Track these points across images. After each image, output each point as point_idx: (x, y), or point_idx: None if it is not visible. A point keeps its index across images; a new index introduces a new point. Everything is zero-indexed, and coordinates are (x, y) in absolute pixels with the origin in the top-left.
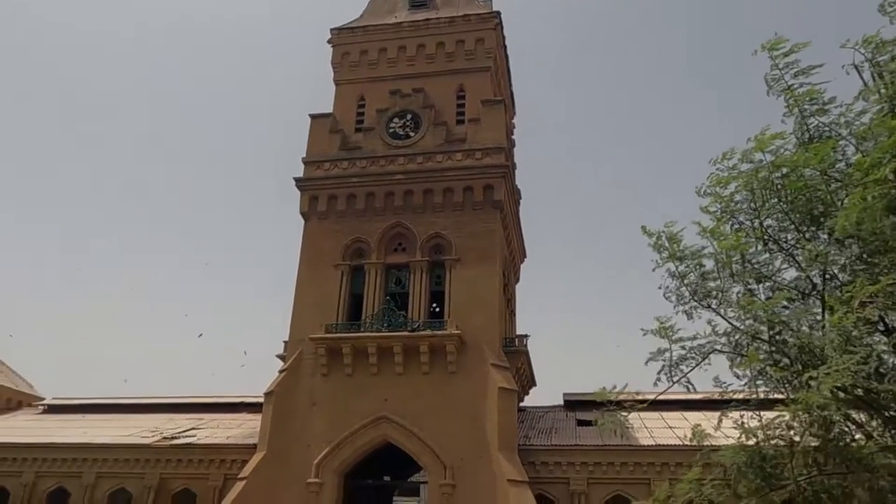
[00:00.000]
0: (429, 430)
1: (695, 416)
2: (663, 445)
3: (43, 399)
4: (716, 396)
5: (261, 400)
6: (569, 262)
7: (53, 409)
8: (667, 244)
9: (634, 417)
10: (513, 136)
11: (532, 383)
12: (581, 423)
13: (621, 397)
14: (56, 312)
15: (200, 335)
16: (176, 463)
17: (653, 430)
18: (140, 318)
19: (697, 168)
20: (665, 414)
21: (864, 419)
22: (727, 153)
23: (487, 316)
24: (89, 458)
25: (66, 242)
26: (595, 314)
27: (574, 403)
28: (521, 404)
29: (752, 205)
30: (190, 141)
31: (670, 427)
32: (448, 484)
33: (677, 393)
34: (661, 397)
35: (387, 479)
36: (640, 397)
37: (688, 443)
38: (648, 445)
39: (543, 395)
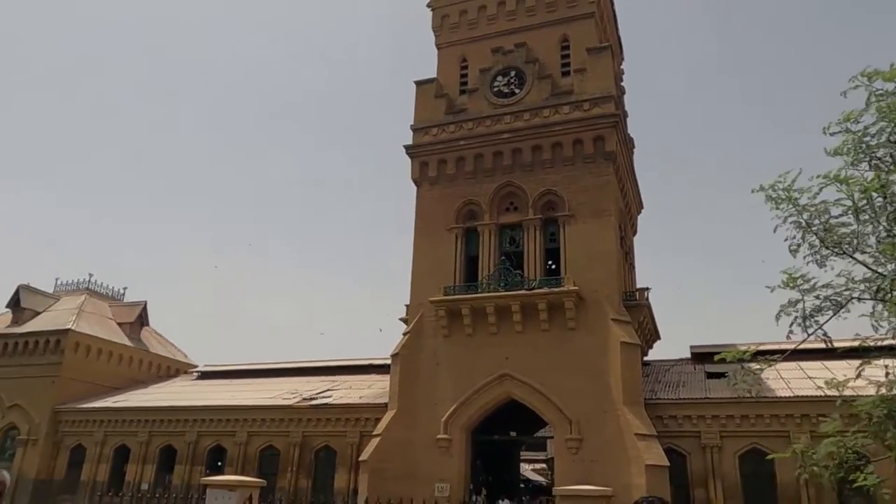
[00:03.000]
0: (551, 386)
1: (837, 366)
2: (802, 396)
3: (196, 366)
4: (858, 344)
5: (387, 362)
6: (689, 209)
7: (205, 375)
8: (783, 195)
9: (769, 369)
10: (622, 83)
11: (656, 337)
12: (711, 375)
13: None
14: (201, 284)
15: (322, 333)
16: (316, 422)
17: (790, 380)
18: (270, 288)
19: (822, 107)
20: (804, 364)
21: None
22: (869, 73)
23: (605, 270)
24: (241, 419)
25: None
26: (720, 262)
27: (702, 356)
28: (646, 358)
29: (892, 137)
30: (299, 114)
31: (810, 377)
32: (574, 438)
33: (816, 342)
34: (801, 346)
35: (513, 434)
36: (772, 348)
37: (829, 393)
38: (786, 397)
39: (668, 348)
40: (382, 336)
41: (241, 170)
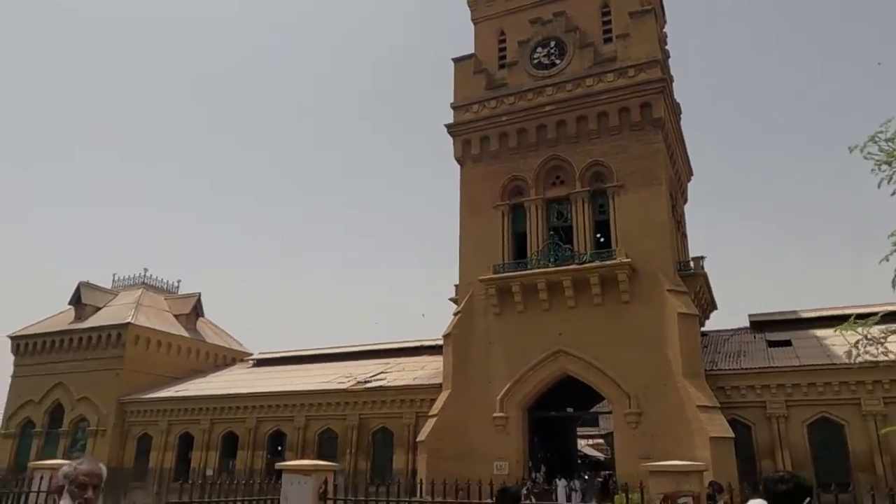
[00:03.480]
0: (607, 361)
1: None
2: (874, 362)
3: (251, 354)
4: None
5: (439, 343)
6: (741, 175)
7: (261, 363)
8: (888, 147)
9: (835, 335)
10: (666, 47)
11: (713, 306)
12: (773, 343)
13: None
14: (252, 275)
15: (423, 315)
16: (371, 404)
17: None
18: (319, 275)
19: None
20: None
21: None
22: None
23: (658, 241)
24: (298, 404)
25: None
26: (777, 229)
27: (762, 324)
28: (703, 329)
29: None
30: (334, 102)
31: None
32: (633, 412)
33: (886, 304)
34: (873, 310)
35: (569, 410)
36: (838, 312)
37: None
38: (857, 363)
39: (724, 317)
40: (432, 317)
41: (281, 158)
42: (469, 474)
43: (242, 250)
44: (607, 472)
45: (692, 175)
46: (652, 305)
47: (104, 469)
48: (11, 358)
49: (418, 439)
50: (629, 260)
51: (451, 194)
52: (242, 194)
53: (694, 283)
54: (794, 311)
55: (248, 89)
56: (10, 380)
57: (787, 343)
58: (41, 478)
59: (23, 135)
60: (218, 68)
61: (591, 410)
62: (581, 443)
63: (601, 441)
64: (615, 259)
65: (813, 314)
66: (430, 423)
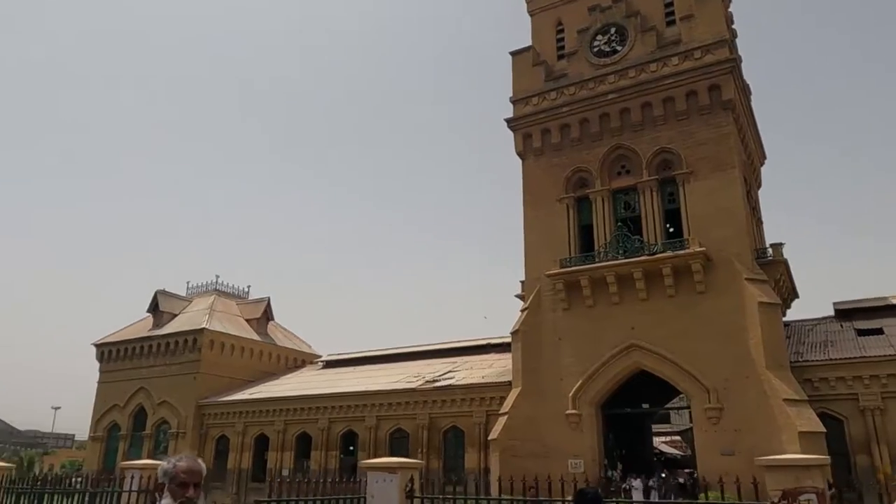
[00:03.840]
0: (684, 354)
1: None
2: None
3: (320, 356)
4: None
5: (505, 340)
6: (817, 156)
7: (330, 364)
8: None
9: None
10: (733, 26)
11: (794, 295)
12: (862, 332)
13: None
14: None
15: (485, 317)
16: (441, 403)
17: None
18: (383, 279)
19: None
20: None
21: None
22: None
23: (734, 227)
24: (369, 404)
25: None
26: (859, 213)
27: (848, 312)
28: (784, 319)
29: None
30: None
31: None
32: (714, 408)
33: None
34: None
35: (645, 406)
36: None
37: None
38: None
39: (805, 306)
40: (496, 316)
41: (351, 158)
42: (543, 472)
43: (309, 254)
44: (688, 469)
45: (765, 158)
46: (729, 295)
47: (204, 466)
48: (97, 365)
49: (490, 438)
50: (703, 249)
51: (513, 191)
52: (308, 198)
53: (773, 270)
54: (884, 298)
55: (320, 93)
56: (96, 386)
57: (879, 331)
58: (132, 477)
59: (89, 150)
60: (291, 70)
61: (666, 406)
62: (656, 440)
63: (678, 438)
64: (688, 248)
65: None
66: (502, 421)
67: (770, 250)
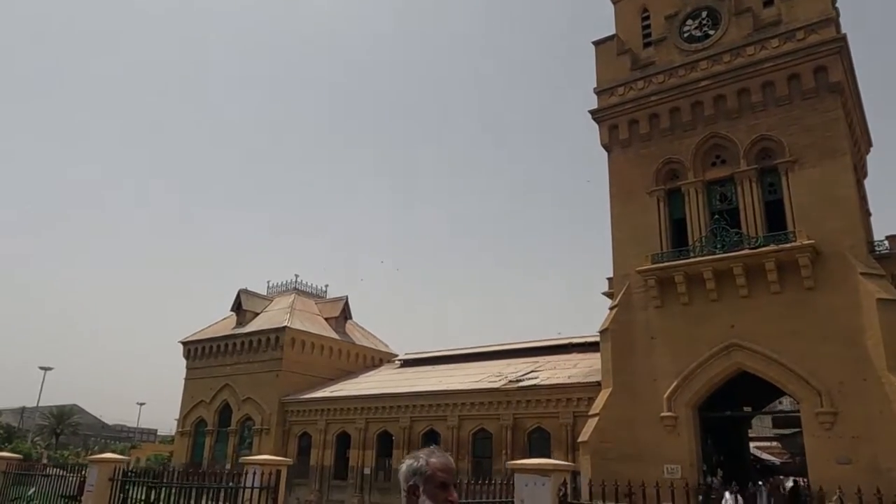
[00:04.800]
0: (791, 355)
1: None
2: None
3: (396, 355)
4: None
5: (587, 340)
6: None
7: (407, 363)
8: None
9: None
10: (836, 4)
11: None
12: None
13: None
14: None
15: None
16: (525, 403)
17: None
18: (453, 281)
19: None
20: None
21: None
22: None
23: (846, 218)
24: (451, 403)
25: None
26: None
27: None
28: None
29: None
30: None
31: None
32: (827, 412)
33: None
34: None
35: (747, 409)
36: None
37: None
38: None
39: None
40: (578, 315)
41: (430, 152)
42: (637, 477)
43: (383, 254)
44: (794, 477)
45: (871, 146)
46: (842, 291)
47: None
48: (180, 362)
49: (580, 440)
50: (812, 242)
51: (595, 186)
52: (381, 198)
53: (889, 265)
54: None
55: (386, 90)
56: (183, 382)
57: None
58: (253, 473)
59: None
60: (362, 58)
61: (764, 410)
62: (751, 445)
63: (776, 444)
64: (795, 241)
65: None
66: (592, 422)
67: (887, 243)
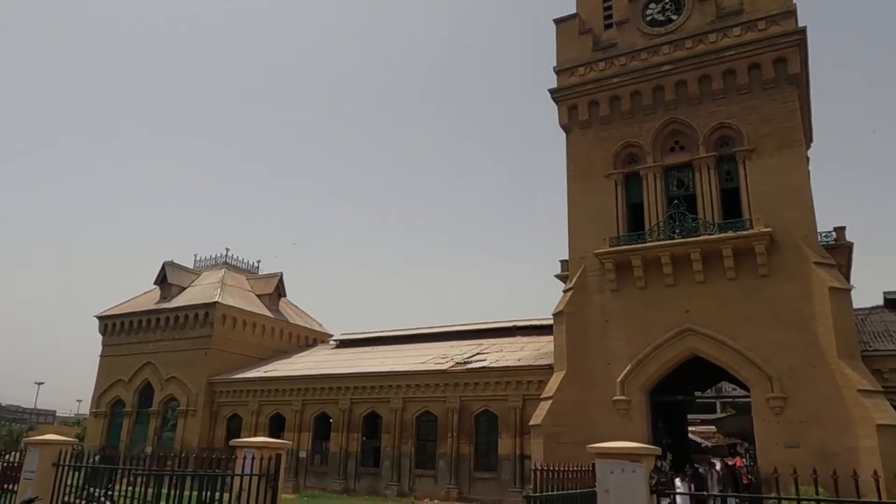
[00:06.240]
0: (744, 341)
1: None
2: None
3: (332, 335)
4: None
5: (533, 323)
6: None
7: (344, 344)
8: None
9: None
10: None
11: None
12: None
13: None
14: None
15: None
16: (474, 386)
17: None
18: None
19: None
20: None
21: None
22: None
23: (801, 209)
24: (394, 385)
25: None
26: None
27: None
28: None
29: None
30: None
31: None
32: (777, 397)
33: None
34: None
35: (697, 393)
36: None
37: None
38: None
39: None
40: (523, 298)
41: (368, 137)
42: (589, 460)
43: (318, 233)
44: (723, 459)
45: (812, 140)
46: (795, 280)
47: None
48: (99, 338)
49: (532, 423)
50: (769, 230)
51: (538, 169)
52: (322, 177)
53: (837, 255)
54: None
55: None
56: (99, 360)
57: None
58: (245, 458)
59: (91, 110)
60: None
61: (710, 396)
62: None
63: (711, 428)
64: (752, 229)
65: None
66: (545, 405)
67: (834, 234)
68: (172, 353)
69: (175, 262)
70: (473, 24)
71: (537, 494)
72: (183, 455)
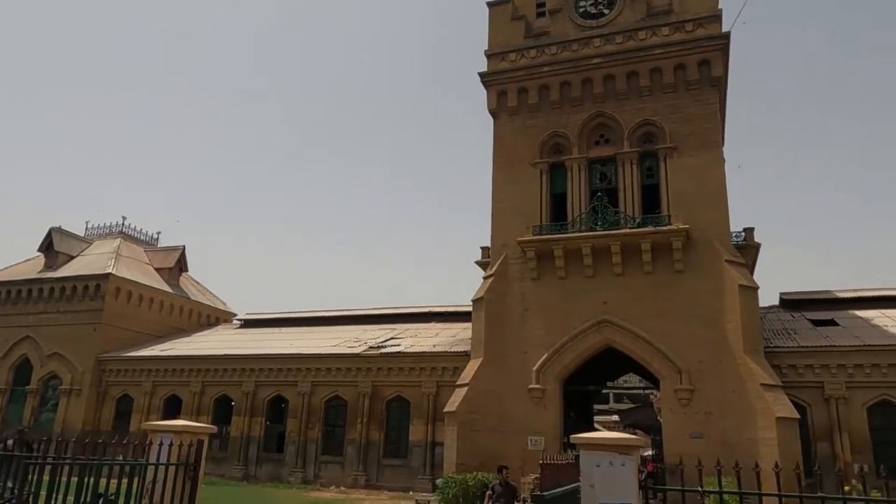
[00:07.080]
0: (657, 334)
1: None
2: None
3: (235, 315)
4: None
5: (448, 309)
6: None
7: (249, 324)
8: None
9: (881, 316)
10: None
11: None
12: (818, 323)
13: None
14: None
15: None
16: (387, 371)
17: None
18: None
19: None
20: None
21: None
22: None
23: (717, 208)
24: (303, 368)
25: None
26: (807, 204)
27: (796, 303)
28: None
29: None
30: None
31: None
32: (685, 389)
33: None
34: None
35: (609, 384)
36: (877, 293)
37: None
38: None
39: None
40: (434, 285)
41: (280, 110)
42: (500, 449)
43: (226, 205)
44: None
45: (723, 143)
46: (708, 276)
47: None
48: None
49: (447, 410)
50: (687, 227)
51: (448, 154)
52: (230, 145)
53: (745, 255)
54: (829, 291)
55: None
56: None
57: (832, 322)
58: (161, 444)
59: None
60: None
61: (630, 386)
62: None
63: (614, 417)
64: (671, 225)
65: (849, 294)
66: (461, 392)
67: (743, 234)
68: (56, 326)
69: (63, 228)
70: (395, 4)
71: (543, 493)
72: (60, 439)
